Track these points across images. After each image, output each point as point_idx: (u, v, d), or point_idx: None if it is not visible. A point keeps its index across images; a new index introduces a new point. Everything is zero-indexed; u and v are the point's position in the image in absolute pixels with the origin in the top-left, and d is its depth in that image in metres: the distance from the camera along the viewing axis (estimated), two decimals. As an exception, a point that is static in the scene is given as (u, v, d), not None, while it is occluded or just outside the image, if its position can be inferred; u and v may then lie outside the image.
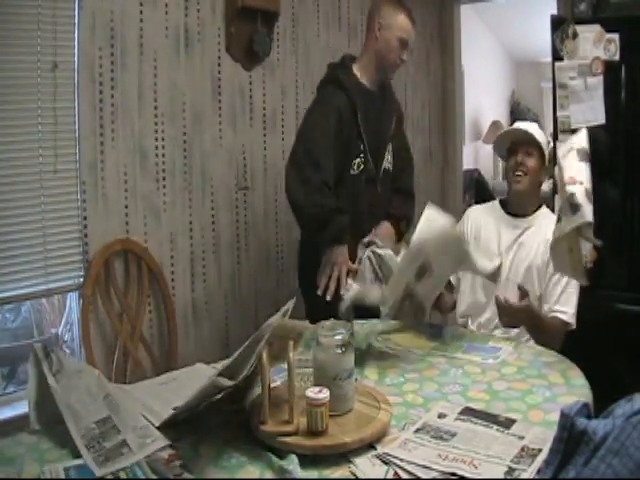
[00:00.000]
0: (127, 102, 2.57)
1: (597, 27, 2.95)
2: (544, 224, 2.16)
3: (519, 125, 2.28)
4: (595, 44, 2.95)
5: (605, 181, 3.04)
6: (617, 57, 2.91)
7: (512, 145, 2.25)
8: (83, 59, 2.42)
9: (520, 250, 2.18)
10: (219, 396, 1.36)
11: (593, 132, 2.98)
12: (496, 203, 2.36)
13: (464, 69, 4.59)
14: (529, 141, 2.20)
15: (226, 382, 1.28)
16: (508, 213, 2.28)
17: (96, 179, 2.49)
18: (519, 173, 2.20)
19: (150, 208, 2.67)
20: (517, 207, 2.27)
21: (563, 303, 2.08)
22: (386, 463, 1.22)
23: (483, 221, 2.31)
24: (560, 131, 3.10)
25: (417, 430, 1.34)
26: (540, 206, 2.29)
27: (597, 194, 2.96)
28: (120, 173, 2.57)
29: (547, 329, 2.03)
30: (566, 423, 0.99)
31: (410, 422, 1.38)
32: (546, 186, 5.72)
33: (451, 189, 4.36)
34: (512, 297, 1.94)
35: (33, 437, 1.34)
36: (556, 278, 2.09)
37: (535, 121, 6.52)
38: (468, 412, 1.40)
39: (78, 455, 1.24)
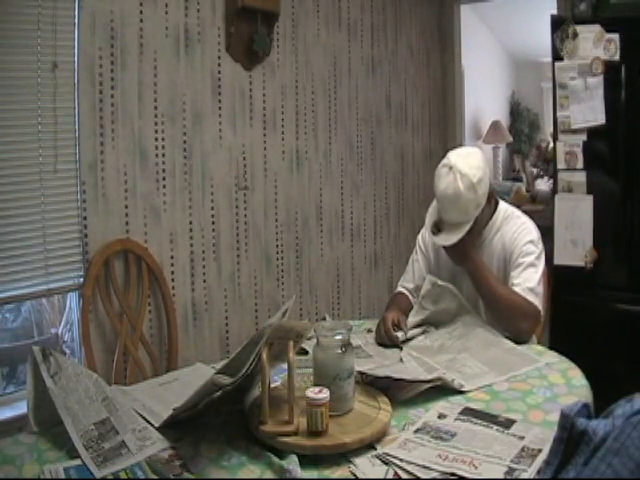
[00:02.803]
0: (127, 102, 2.57)
1: (597, 27, 2.95)
2: (500, 228, 2.05)
3: (446, 232, 1.94)
4: (595, 44, 2.95)
5: (605, 181, 3.04)
6: (617, 57, 2.91)
7: None
8: (83, 59, 2.42)
9: (483, 258, 2.04)
10: (218, 394, 1.36)
11: (593, 132, 3.01)
12: None
13: (464, 69, 4.58)
14: None
15: (225, 380, 1.28)
16: None
17: (96, 179, 2.49)
18: None
19: (150, 208, 2.67)
20: None
21: (520, 283, 1.92)
22: (386, 463, 1.22)
23: None
24: (560, 131, 3.11)
25: (417, 430, 1.34)
26: (497, 206, 2.08)
27: (597, 194, 3.00)
28: (120, 173, 2.57)
29: (500, 293, 1.88)
30: (566, 423, 0.99)
31: (410, 422, 1.38)
32: (546, 186, 5.73)
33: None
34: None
35: (32, 437, 1.34)
36: (514, 266, 1.96)
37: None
38: (468, 412, 1.40)
39: (77, 455, 1.24)
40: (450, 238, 1.92)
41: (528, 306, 1.88)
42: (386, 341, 1.90)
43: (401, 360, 1.75)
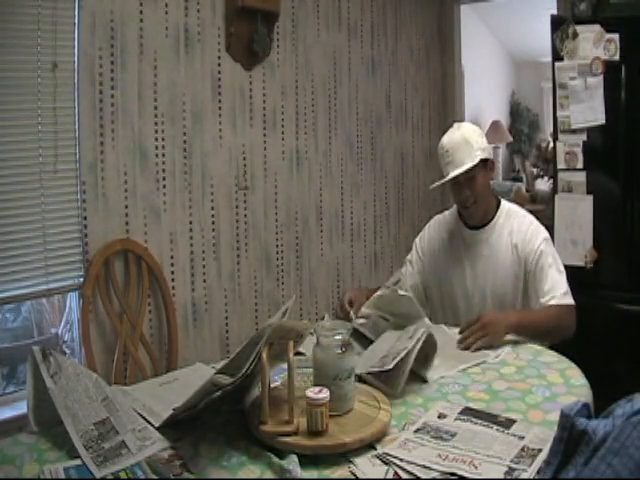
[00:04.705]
0: (127, 102, 2.57)
1: (597, 27, 2.95)
2: (506, 225, 2.08)
3: (451, 171, 2.00)
4: (595, 44, 2.95)
5: (605, 181, 3.04)
6: (617, 57, 2.91)
7: (452, 183, 2.05)
8: (83, 59, 2.42)
9: (487, 264, 2.08)
10: (218, 394, 1.36)
11: (593, 132, 3.01)
12: (456, 216, 2.19)
13: (464, 69, 4.58)
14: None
15: (225, 380, 1.28)
16: (468, 226, 2.15)
17: (96, 179, 2.49)
18: (468, 205, 2.06)
19: (150, 208, 2.67)
20: (477, 222, 2.13)
21: (550, 290, 1.96)
22: (386, 463, 1.22)
23: (442, 237, 2.20)
24: (560, 131, 3.11)
25: (417, 430, 1.34)
26: (499, 204, 2.14)
27: (597, 194, 3.00)
28: (120, 173, 2.57)
29: (545, 321, 1.91)
30: (566, 423, 0.99)
31: (410, 422, 1.38)
32: (546, 186, 5.73)
33: (451, 189, 4.36)
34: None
35: (33, 437, 1.34)
36: (537, 271, 1.99)
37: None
38: (468, 412, 1.40)
39: (77, 455, 1.24)
40: (458, 170, 1.98)
41: (568, 313, 1.95)
42: (339, 314, 1.92)
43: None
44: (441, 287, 2.19)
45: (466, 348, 1.77)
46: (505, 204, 2.15)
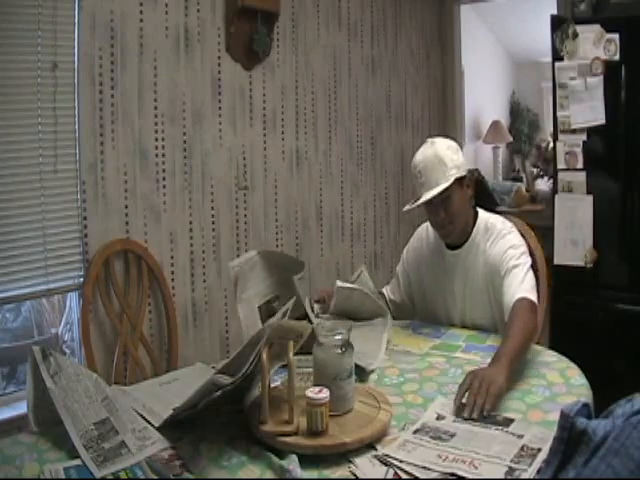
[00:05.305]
0: (127, 102, 2.57)
1: (597, 27, 2.95)
2: (482, 242, 2.00)
3: (425, 193, 1.91)
4: (595, 44, 2.95)
5: (605, 181, 3.04)
6: (617, 57, 2.91)
7: (426, 204, 1.96)
8: (83, 59, 2.42)
9: (464, 286, 2.03)
10: (218, 394, 1.36)
11: (593, 132, 3.01)
12: (436, 236, 2.10)
13: (464, 69, 4.58)
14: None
15: (225, 380, 1.28)
16: (447, 245, 2.07)
17: (96, 179, 2.49)
18: (444, 225, 1.97)
19: (150, 208, 2.67)
20: (454, 241, 2.05)
21: (509, 285, 1.87)
22: (386, 464, 1.22)
23: (425, 253, 2.15)
24: (560, 131, 3.10)
25: (416, 431, 1.34)
26: (476, 217, 2.06)
27: (597, 194, 3.00)
28: (120, 173, 2.57)
29: (523, 340, 1.67)
30: (566, 423, 0.99)
31: (410, 422, 1.38)
32: (546, 186, 5.73)
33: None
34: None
35: (32, 437, 1.34)
36: (502, 278, 1.91)
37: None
38: (468, 412, 1.40)
39: (77, 455, 1.24)
40: (431, 192, 1.89)
41: (530, 311, 1.79)
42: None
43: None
44: (425, 301, 2.17)
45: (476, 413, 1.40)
46: (483, 217, 2.06)
